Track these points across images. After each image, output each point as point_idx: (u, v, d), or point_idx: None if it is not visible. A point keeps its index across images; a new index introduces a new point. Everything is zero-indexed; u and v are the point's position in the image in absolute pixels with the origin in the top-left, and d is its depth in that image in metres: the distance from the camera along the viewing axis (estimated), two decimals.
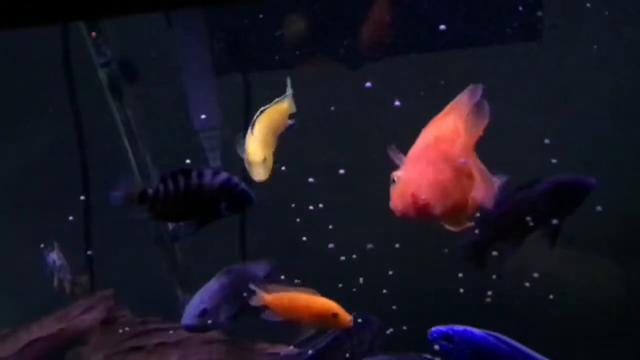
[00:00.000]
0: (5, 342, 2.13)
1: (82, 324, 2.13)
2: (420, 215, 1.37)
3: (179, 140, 2.52)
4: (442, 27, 1.96)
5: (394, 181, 1.36)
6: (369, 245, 1.78)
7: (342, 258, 1.90)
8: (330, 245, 1.82)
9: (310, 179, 1.73)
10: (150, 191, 1.37)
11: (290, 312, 1.74)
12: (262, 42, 2.38)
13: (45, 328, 2.17)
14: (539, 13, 2.28)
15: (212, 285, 1.85)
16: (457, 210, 1.39)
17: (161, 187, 1.37)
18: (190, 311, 1.78)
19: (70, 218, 2.22)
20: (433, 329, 1.54)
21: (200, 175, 1.36)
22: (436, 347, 1.54)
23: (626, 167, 2.48)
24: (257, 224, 2.50)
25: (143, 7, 1.03)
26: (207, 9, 2.30)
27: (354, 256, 1.90)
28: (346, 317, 1.73)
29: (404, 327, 1.93)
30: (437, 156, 1.37)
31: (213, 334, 2.13)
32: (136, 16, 1.09)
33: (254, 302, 1.71)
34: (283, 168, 1.65)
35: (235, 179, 1.39)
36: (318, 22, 2.33)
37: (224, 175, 1.38)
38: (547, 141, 1.72)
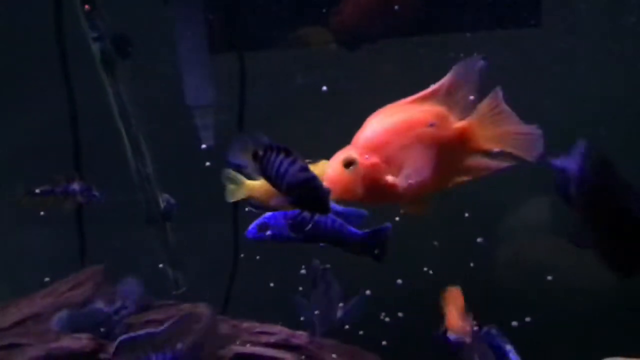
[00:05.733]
0: None
1: (70, 300, 2.12)
2: (389, 200, 1.40)
3: (172, 118, 2.51)
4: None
5: (349, 165, 1.36)
6: None
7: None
8: None
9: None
10: (260, 152, 1.35)
11: None
12: (258, 20, 2.36)
13: (34, 304, 2.15)
14: None
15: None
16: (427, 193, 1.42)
17: (269, 153, 1.34)
18: None
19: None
20: (249, 229, 1.63)
21: (293, 162, 1.31)
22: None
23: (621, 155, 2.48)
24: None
25: None
26: None
27: None
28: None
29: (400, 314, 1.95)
30: (412, 139, 1.38)
31: (203, 311, 2.14)
32: None
33: None
34: None
35: (320, 183, 1.32)
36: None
37: (309, 174, 1.31)
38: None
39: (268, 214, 1.65)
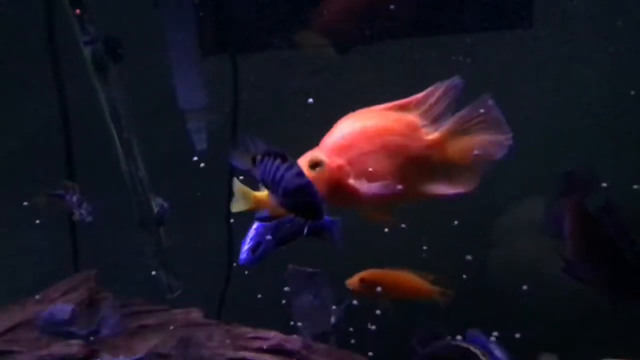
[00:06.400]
0: None
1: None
2: (351, 203, 1.39)
3: (164, 121, 2.50)
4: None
5: (316, 165, 1.36)
6: None
7: None
8: None
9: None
10: (258, 157, 1.36)
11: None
12: (250, 23, 2.35)
13: (26, 310, 2.14)
14: None
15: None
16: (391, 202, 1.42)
17: (266, 158, 1.34)
18: None
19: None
20: (242, 256, 1.63)
21: (289, 168, 1.31)
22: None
23: (612, 158, 2.49)
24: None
25: None
26: None
27: None
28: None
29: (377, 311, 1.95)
30: (379, 146, 1.39)
31: (196, 317, 2.14)
32: None
33: None
34: None
35: (314, 189, 1.32)
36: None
37: (304, 179, 1.31)
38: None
39: (252, 233, 1.65)
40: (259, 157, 1.34)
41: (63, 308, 1.89)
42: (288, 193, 1.31)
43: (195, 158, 1.82)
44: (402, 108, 1.43)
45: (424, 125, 1.43)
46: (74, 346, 1.88)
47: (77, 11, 2.19)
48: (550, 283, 2.13)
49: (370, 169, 1.38)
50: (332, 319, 1.91)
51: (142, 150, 2.45)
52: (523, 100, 2.34)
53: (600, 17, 2.39)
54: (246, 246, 1.63)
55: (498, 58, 2.37)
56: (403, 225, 1.51)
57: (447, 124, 1.43)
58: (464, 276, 1.90)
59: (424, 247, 1.95)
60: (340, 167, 1.38)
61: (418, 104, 1.43)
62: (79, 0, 2.19)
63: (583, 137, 2.50)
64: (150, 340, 2.04)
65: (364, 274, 1.88)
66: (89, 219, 2.15)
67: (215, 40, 2.43)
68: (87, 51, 2.26)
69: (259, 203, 1.49)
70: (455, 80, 1.44)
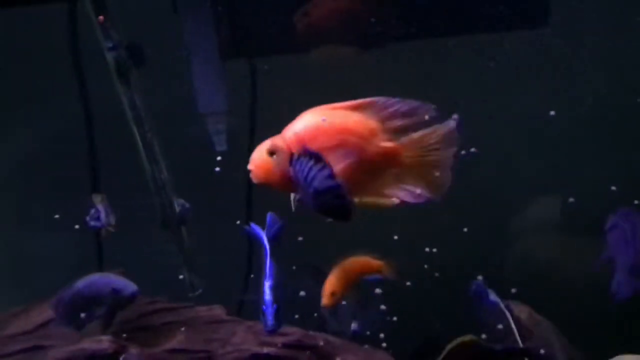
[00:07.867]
0: (18, 319, 2.18)
1: None
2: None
3: (185, 124, 2.55)
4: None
5: (273, 153, 1.40)
6: None
7: None
8: None
9: None
10: (295, 156, 1.41)
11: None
12: (269, 27, 2.39)
13: None
14: None
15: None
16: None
17: (302, 158, 1.39)
18: None
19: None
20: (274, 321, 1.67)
21: (322, 169, 1.37)
22: None
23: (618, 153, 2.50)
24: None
25: None
26: None
27: None
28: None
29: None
30: (337, 143, 1.42)
31: (219, 314, 2.18)
32: None
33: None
34: None
35: (344, 191, 1.37)
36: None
37: (333, 182, 1.36)
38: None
39: (268, 295, 1.68)
40: (295, 156, 1.39)
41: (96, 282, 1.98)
42: (318, 194, 1.36)
43: (216, 165, 1.88)
44: (365, 108, 1.45)
45: (383, 132, 1.46)
46: (104, 341, 1.94)
47: (101, 17, 2.25)
48: (565, 282, 2.16)
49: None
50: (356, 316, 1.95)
51: (164, 152, 2.50)
52: (535, 100, 2.36)
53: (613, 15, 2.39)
54: (270, 318, 1.66)
55: (513, 57, 2.38)
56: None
57: (407, 138, 1.45)
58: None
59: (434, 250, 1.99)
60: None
61: (380, 108, 1.45)
62: (102, 7, 2.25)
63: (594, 136, 2.51)
64: (175, 337, 2.09)
65: (330, 288, 1.89)
66: (98, 224, 2.28)
67: (234, 44, 2.47)
68: (110, 57, 2.32)
69: None
70: (430, 107, 1.46)
